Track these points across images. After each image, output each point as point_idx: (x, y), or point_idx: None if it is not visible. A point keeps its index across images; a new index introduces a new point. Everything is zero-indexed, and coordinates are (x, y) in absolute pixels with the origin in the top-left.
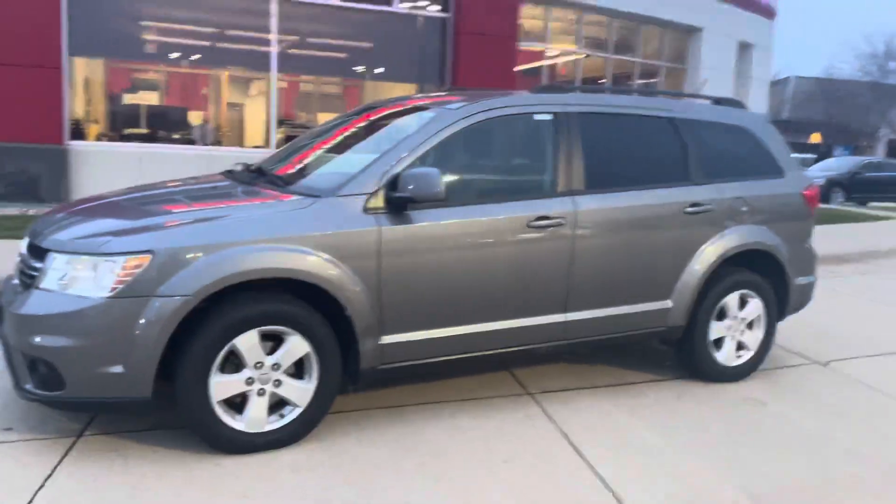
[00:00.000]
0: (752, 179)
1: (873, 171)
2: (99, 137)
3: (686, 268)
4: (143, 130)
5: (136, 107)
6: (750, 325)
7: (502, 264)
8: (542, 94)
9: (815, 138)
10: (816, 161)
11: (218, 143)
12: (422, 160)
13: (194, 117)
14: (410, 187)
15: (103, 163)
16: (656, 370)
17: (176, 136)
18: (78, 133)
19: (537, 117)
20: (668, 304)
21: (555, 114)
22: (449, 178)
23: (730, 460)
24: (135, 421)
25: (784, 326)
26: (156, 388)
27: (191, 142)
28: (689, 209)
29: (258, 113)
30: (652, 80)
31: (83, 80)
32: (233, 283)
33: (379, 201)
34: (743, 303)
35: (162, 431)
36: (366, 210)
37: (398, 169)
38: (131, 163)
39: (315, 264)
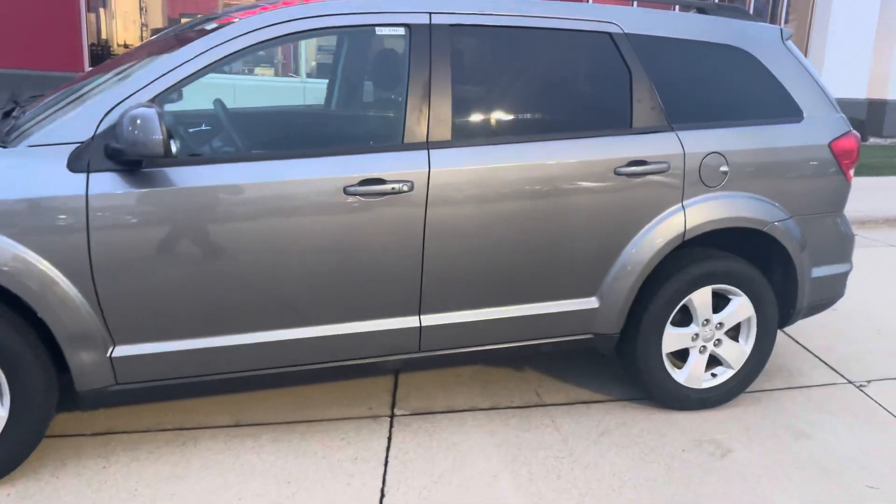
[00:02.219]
0: (747, 125)
1: None
2: None
3: (622, 253)
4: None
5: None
6: (733, 333)
7: (303, 248)
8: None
9: None
10: None
11: None
12: (174, 95)
13: None
14: (125, 134)
15: None
16: (604, 383)
17: None
18: (97, 60)
19: (381, 31)
20: (593, 302)
21: (409, 26)
22: (215, 123)
23: None
24: None
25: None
26: None
27: None
28: (625, 169)
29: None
30: None
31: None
32: None
33: (98, 154)
34: (720, 302)
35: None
36: (73, 167)
37: (121, 109)
38: None
39: None
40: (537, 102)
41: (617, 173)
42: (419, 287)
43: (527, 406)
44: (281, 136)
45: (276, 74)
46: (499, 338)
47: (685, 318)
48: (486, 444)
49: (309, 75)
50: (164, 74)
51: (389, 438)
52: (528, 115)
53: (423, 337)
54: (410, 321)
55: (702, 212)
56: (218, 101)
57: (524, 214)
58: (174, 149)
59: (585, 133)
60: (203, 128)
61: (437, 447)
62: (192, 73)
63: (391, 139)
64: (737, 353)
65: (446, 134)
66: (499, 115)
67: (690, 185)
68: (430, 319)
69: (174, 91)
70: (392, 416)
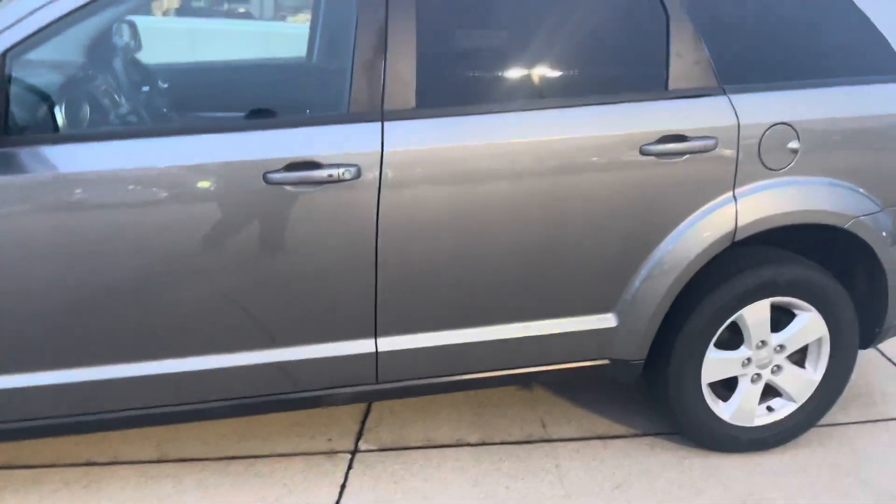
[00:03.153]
0: (827, 84)
1: None
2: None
3: (649, 257)
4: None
5: None
6: (798, 358)
7: (208, 255)
8: None
9: None
10: None
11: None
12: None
13: None
14: None
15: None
16: (628, 411)
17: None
18: None
19: None
20: (609, 320)
21: None
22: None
23: None
24: None
25: None
26: None
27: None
28: (656, 146)
29: None
30: None
31: None
32: None
33: None
34: (781, 318)
35: None
36: None
37: None
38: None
39: None
40: (535, 56)
41: (644, 152)
42: (373, 303)
43: (527, 441)
44: (184, 103)
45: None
46: (481, 365)
47: (733, 338)
48: (466, 499)
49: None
50: (15, 22)
51: (343, 486)
52: (523, 74)
53: (380, 365)
54: (363, 346)
55: (760, 204)
56: (121, 57)
57: (517, 208)
58: (18, 122)
59: (602, 98)
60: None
61: (402, 501)
62: (58, 19)
63: (332, 107)
64: (802, 383)
65: (408, 99)
66: (482, 74)
67: (746, 167)
68: (389, 343)
69: (34, 43)
70: (354, 452)
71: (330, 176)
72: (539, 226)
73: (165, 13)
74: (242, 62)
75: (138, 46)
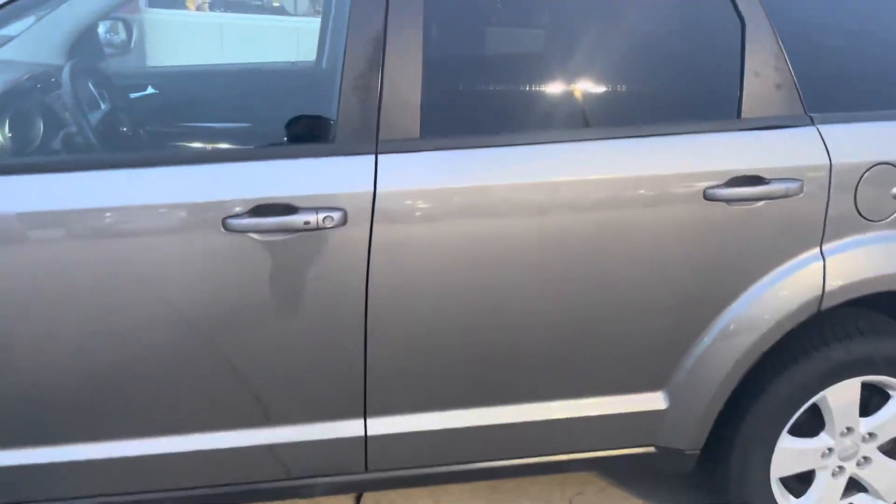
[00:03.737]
0: None
1: None
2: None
3: (710, 327)
4: None
5: None
6: (891, 447)
7: (155, 315)
8: None
9: None
10: None
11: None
12: None
13: None
14: None
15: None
16: (677, 494)
17: None
18: None
19: None
20: (658, 401)
21: None
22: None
23: None
24: None
25: None
26: None
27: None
28: (725, 190)
29: None
30: None
31: None
32: None
33: None
34: (871, 399)
35: None
36: None
37: None
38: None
39: None
40: (573, 73)
41: (710, 197)
42: (361, 377)
43: None
44: (143, 121)
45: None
46: (496, 452)
47: (812, 422)
48: None
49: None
50: None
51: None
52: (558, 96)
53: (370, 451)
54: (349, 428)
55: (855, 264)
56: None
57: (547, 264)
58: None
59: (657, 127)
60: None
61: None
62: None
63: (315, 135)
64: (895, 479)
65: (410, 126)
66: (506, 94)
67: (838, 217)
68: (381, 425)
69: None
70: None
71: (307, 223)
72: (575, 286)
73: (199, 8)
74: (232, 68)
75: (125, 48)
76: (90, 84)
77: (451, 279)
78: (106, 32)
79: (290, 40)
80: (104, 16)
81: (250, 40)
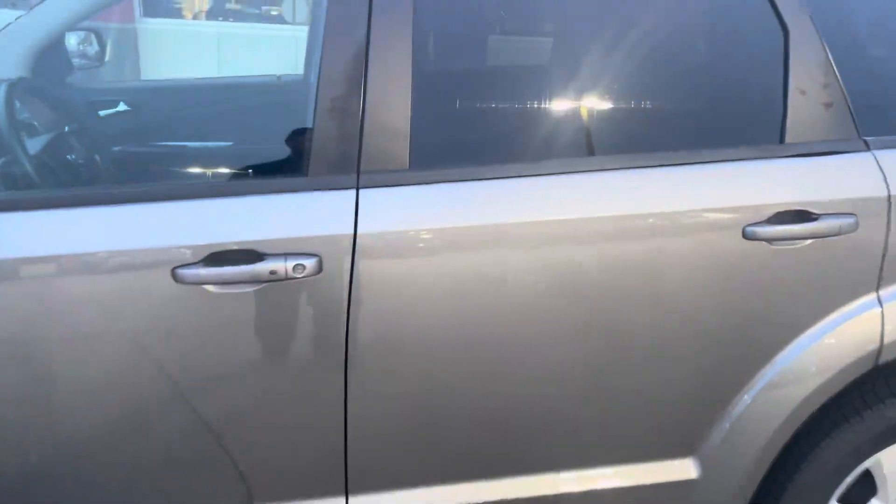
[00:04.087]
0: None
1: None
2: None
3: (750, 384)
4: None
5: None
6: None
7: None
8: None
9: None
10: None
11: None
12: None
13: None
14: None
15: None
16: None
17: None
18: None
19: None
20: (688, 469)
21: None
22: None
23: None
24: None
25: None
26: None
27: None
28: (766, 228)
29: None
30: None
31: None
32: None
33: None
34: None
35: None
36: None
37: None
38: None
39: None
40: (591, 93)
41: (749, 235)
42: (341, 449)
43: None
44: (97, 147)
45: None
46: None
47: (863, 490)
48: None
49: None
50: None
51: None
52: (573, 119)
53: None
54: None
55: None
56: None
57: (559, 314)
58: None
59: (686, 155)
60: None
61: None
62: None
63: (285, 166)
64: None
65: (398, 155)
66: (513, 118)
67: None
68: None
69: None
70: None
71: (273, 273)
72: (592, 337)
73: (196, 17)
74: (212, 83)
75: (99, 61)
76: (43, 104)
77: (447, 336)
78: (79, 44)
79: (289, 50)
80: (71, 27)
81: (248, 50)
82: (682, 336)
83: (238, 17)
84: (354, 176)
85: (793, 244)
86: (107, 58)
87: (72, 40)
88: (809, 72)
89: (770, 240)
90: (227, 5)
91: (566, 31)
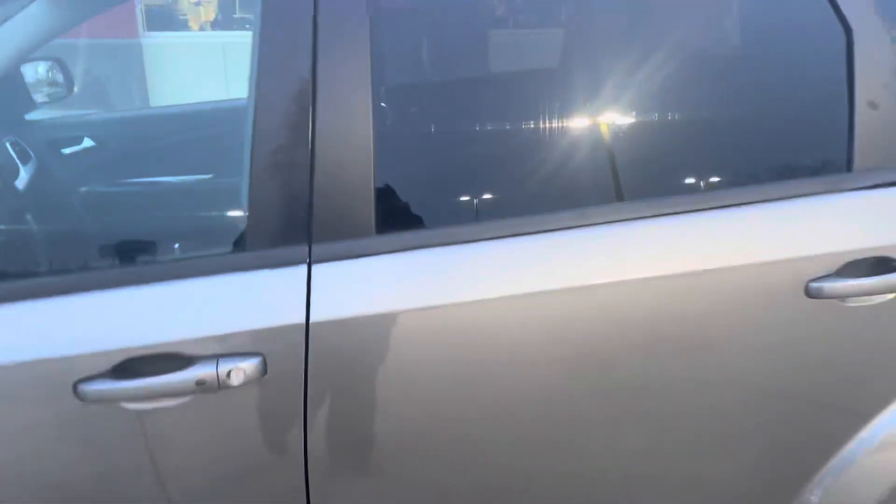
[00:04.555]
0: None
1: None
2: None
3: (815, 480)
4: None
5: None
6: None
7: None
8: None
9: None
10: None
11: None
12: None
13: None
14: None
15: None
16: None
17: None
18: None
19: None
20: None
21: None
22: None
23: None
24: None
25: None
26: None
27: None
28: (833, 283)
29: None
30: None
31: None
32: None
33: None
34: None
35: None
36: None
37: None
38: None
39: None
40: (605, 126)
41: (814, 293)
42: None
43: None
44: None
45: None
46: None
47: None
48: None
49: None
50: None
51: None
52: (586, 160)
53: None
54: None
55: None
56: None
57: (571, 410)
58: None
59: (727, 195)
60: None
61: None
62: None
63: (218, 239)
64: None
65: (360, 218)
66: (510, 159)
67: None
68: None
69: None
70: None
71: (201, 383)
72: (613, 436)
73: (202, 27)
74: (173, 111)
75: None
76: None
77: (431, 444)
78: (48, 71)
79: None
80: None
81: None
82: (742, 424)
83: (244, 26)
84: (305, 247)
85: (870, 300)
86: (76, 87)
87: (39, 69)
88: (880, 79)
89: (841, 297)
90: (234, 14)
91: (578, 48)
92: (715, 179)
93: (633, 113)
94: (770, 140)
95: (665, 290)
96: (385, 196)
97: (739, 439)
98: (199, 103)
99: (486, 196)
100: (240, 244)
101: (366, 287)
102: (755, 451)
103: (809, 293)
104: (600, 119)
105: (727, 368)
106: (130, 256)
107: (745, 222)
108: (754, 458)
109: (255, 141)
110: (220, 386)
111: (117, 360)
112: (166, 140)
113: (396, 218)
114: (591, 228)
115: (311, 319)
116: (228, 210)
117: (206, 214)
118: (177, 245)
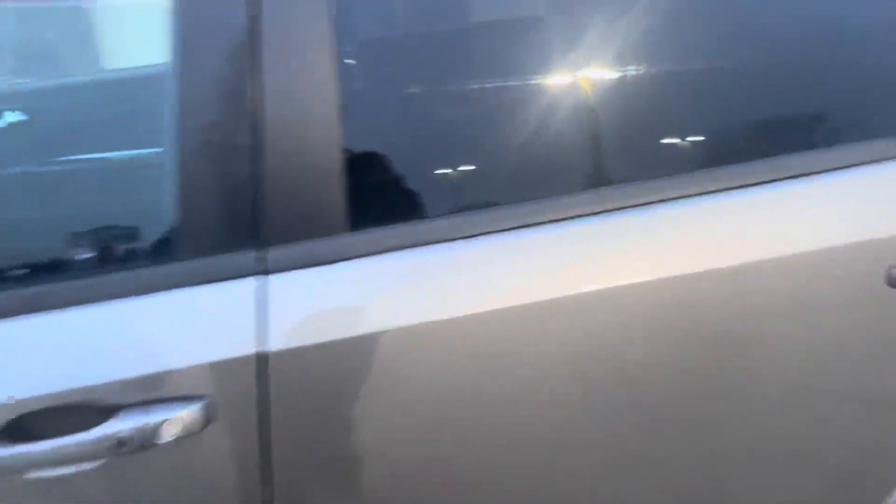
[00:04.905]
0: None
1: None
2: None
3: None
4: None
5: None
6: None
7: None
8: None
9: None
10: None
11: None
12: None
13: None
14: None
15: None
16: None
17: None
18: None
19: None
20: None
21: None
22: None
23: None
24: None
25: None
26: None
27: None
28: None
29: None
30: None
31: None
32: None
33: None
34: None
35: None
36: None
37: None
38: None
39: None
40: (652, 74)
41: (894, 282)
42: None
43: None
44: None
45: None
46: None
47: None
48: None
49: None
50: None
51: None
52: (606, 128)
53: None
54: None
55: None
56: None
57: (584, 434)
58: None
59: (786, 168)
60: None
61: None
62: None
63: (130, 241)
64: None
65: (328, 212)
66: (517, 130)
67: None
68: None
69: None
70: None
71: (123, 443)
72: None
73: None
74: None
75: None
76: None
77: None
78: None
79: None
80: None
81: None
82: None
83: None
84: (256, 253)
85: None
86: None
87: None
88: None
89: None
90: None
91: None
92: (766, 145)
93: (670, 62)
94: (826, 122)
95: (712, 285)
96: (358, 181)
97: (802, 463)
98: (118, 70)
99: (489, 177)
100: (170, 252)
101: (338, 301)
102: (825, 472)
103: (890, 281)
104: (638, 73)
105: (791, 376)
106: (17, 275)
107: (807, 199)
108: (822, 483)
109: (183, 115)
110: (150, 443)
111: (11, 414)
112: (69, 116)
113: (375, 209)
114: (621, 213)
115: (269, 348)
116: (153, 207)
117: (123, 214)
118: (84, 256)
